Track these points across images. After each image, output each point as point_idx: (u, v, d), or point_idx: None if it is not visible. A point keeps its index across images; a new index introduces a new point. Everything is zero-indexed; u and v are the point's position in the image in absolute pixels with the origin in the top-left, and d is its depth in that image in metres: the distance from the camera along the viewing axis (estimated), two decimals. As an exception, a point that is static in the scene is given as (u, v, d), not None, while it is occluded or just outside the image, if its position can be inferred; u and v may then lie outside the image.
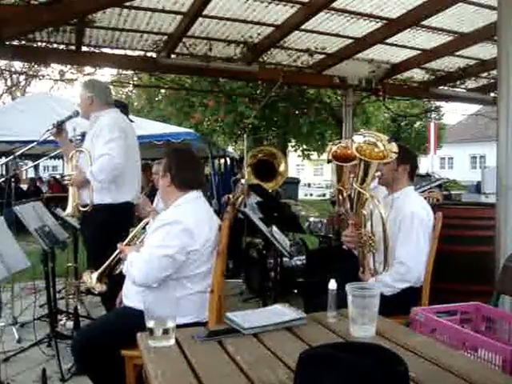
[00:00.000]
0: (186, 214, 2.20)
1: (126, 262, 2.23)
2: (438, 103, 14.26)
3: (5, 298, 4.28)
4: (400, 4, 4.20)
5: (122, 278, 2.32)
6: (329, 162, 3.01)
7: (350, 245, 2.58)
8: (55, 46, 4.87)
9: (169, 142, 7.58)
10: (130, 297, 2.25)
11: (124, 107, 3.80)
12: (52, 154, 3.94)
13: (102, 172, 3.02)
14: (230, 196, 5.55)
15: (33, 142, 3.48)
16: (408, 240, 2.49)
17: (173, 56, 5.18)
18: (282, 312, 1.73)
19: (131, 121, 3.62)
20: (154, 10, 4.22)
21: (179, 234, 2.13)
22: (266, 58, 5.43)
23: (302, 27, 4.61)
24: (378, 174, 2.56)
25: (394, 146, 2.32)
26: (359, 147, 2.28)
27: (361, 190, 2.32)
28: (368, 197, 2.34)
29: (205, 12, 4.19)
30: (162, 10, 4.22)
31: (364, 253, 2.46)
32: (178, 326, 1.57)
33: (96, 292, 2.57)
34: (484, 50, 5.26)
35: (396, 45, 5.16)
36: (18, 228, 3.63)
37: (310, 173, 37.93)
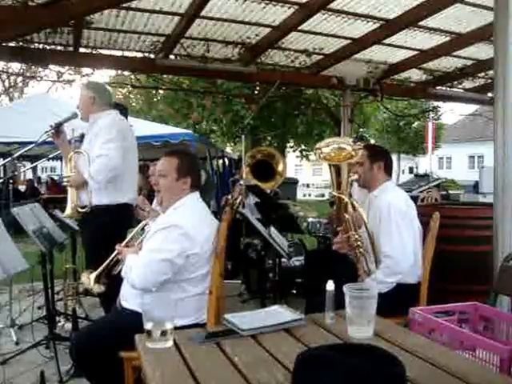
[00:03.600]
0: (184, 218, 2.19)
1: (125, 265, 2.23)
2: (435, 103, 14.27)
3: (3, 299, 4.29)
4: (397, 5, 4.20)
5: (121, 279, 2.32)
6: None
7: (341, 250, 2.58)
8: (53, 47, 4.86)
9: (167, 142, 7.59)
10: (128, 299, 2.25)
11: (123, 109, 3.81)
12: (51, 156, 3.93)
13: (99, 173, 3.02)
14: (229, 197, 5.55)
15: (31, 143, 3.49)
16: (389, 233, 2.52)
17: (171, 57, 5.18)
18: (280, 313, 1.73)
19: (130, 125, 3.63)
20: (151, 12, 4.22)
21: (178, 238, 2.13)
22: (263, 59, 5.43)
23: (300, 28, 4.61)
24: (356, 177, 2.59)
25: (359, 143, 2.35)
26: (327, 155, 2.29)
27: (339, 194, 2.34)
28: (347, 200, 2.35)
29: (202, 13, 4.19)
30: (160, 12, 4.22)
31: (357, 255, 2.48)
32: (177, 328, 1.57)
33: (95, 293, 2.58)
34: (481, 51, 5.26)
35: (393, 45, 5.16)
36: (16, 229, 3.63)
37: (308, 173, 37.95)
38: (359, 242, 2.39)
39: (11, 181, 10.02)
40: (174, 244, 2.13)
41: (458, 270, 3.14)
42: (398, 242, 2.50)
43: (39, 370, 2.77)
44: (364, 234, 2.42)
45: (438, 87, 6.51)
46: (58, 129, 3.21)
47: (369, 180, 2.72)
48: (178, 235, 2.13)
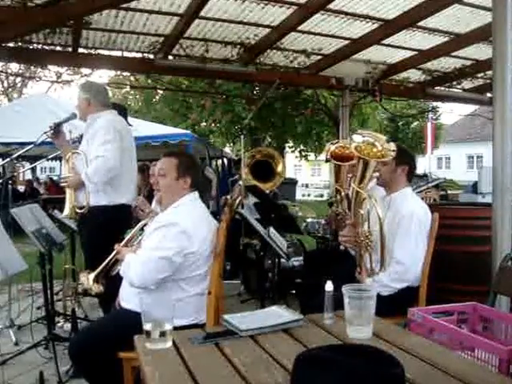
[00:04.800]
0: (183, 216, 2.20)
1: (124, 264, 2.23)
2: (434, 103, 14.29)
3: (2, 300, 4.29)
4: (396, 5, 4.21)
5: (119, 279, 2.32)
6: (327, 161, 3.02)
7: (347, 244, 2.58)
8: (52, 47, 4.86)
9: (166, 142, 7.58)
10: (128, 299, 2.25)
11: (122, 110, 3.80)
12: (50, 156, 3.93)
13: (96, 174, 3.02)
14: (228, 197, 5.56)
15: (30, 143, 3.48)
16: (406, 239, 2.50)
17: (170, 57, 5.18)
18: (279, 314, 1.73)
19: (130, 124, 3.62)
20: (150, 12, 4.22)
21: (176, 236, 2.14)
22: (262, 60, 5.44)
23: (299, 28, 4.62)
24: (377, 174, 2.58)
25: (392, 146, 2.33)
26: (358, 147, 2.29)
27: (358, 189, 2.33)
28: (365, 196, 2.34)
29: (201, 13, 4.19)
30: (159, 12, 4.23)
31: (361, 253, 2.46)
32: (177, 328, 1.57)
33: (93, 293, 2.57)
34: (480, 51, 5.27)
35: (392, 45, 5.17)
36: (15, 230, 3.63)
37: (307, 173, 37.90)
38: (368, 240, 2.38)
39: (10, 181, 10.01)
40: (173, 242, 2.13)
41: (457, 270, 3.14)
42: (412, 250, 2.50)
43: (38, 371, 2.76)
44: (376, 233, 2.40)
45: (436, 87, 6.51)
46: (57, 129, 3.21)
47: (389, 181, 2.69)
48: (177, 233, 2.14)
